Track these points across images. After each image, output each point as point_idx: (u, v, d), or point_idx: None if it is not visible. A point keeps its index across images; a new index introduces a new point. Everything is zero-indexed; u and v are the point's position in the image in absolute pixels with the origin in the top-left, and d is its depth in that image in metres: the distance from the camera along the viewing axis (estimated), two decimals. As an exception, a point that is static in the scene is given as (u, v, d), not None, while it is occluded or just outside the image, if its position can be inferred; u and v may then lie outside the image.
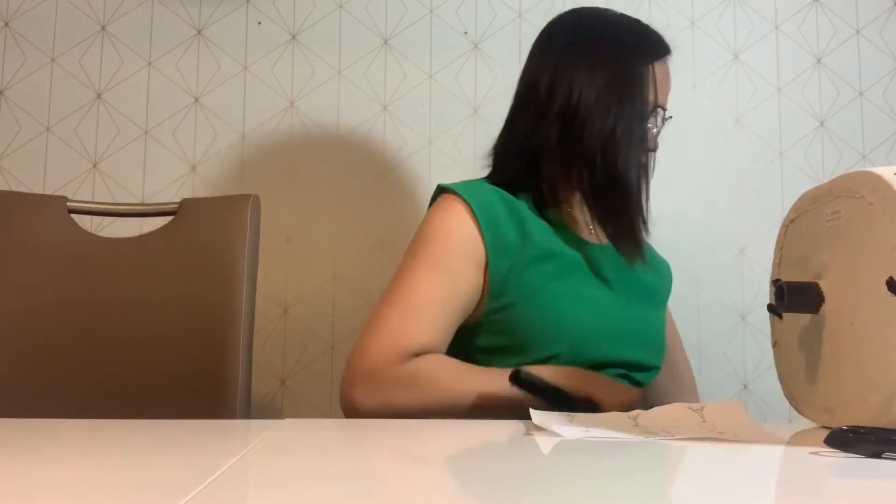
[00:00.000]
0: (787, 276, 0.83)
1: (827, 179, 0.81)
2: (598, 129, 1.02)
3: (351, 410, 0.95)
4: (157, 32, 1.56)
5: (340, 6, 1.58)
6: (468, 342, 1.04)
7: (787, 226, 0.87)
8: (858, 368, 0.72)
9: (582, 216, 1.14)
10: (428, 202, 1.12)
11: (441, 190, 1.07)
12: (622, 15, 1.11)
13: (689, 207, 1.58)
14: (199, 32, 1.56)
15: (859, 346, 0.72)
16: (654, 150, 1.06)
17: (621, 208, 1.04)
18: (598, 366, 1.03)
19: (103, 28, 1.55)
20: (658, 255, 1.26)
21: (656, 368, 1.15)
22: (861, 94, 1.64)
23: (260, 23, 1.57)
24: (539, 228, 1.05)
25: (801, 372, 0.82)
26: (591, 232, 1.14)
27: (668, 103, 1.08)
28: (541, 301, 1.02)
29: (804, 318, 0.81)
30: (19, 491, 0.48)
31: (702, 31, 1.62)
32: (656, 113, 1.04)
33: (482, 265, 1.01)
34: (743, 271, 1.57)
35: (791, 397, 0.84)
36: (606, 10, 1.12)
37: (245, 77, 1.56)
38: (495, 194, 1.04)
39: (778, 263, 0.88)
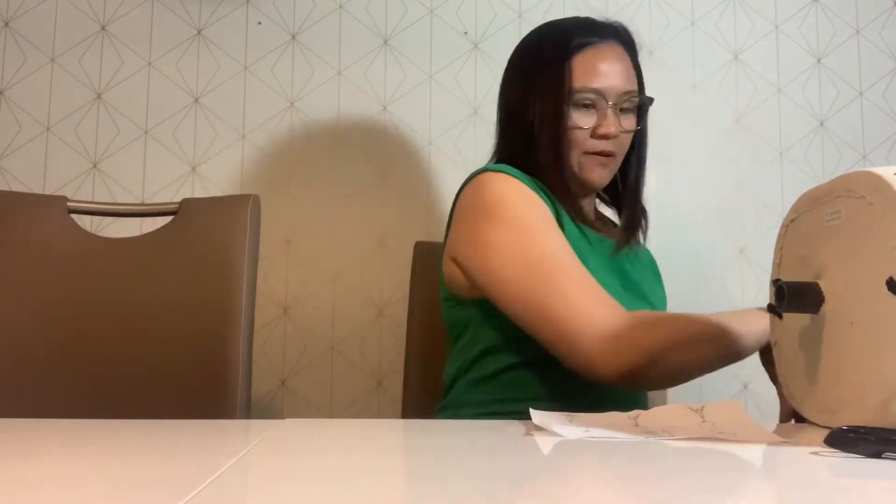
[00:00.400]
0: (787, 276, 0.83)
1: (827, 179, 0.81)
2: (526, 131, 1.08)
3: (615, 378, 0.91)
4: (157, 32, 1.56)
5: (340, 6, 1.58)
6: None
7: (787, 226, 0.87)
8: (859, 368, 0.72)
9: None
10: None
11: (479, 172, 1.06)
12: (564, 18, 1.14)
13: (689, 207, 1.58)
14: (199, 32, 1.56)
15: (859, 346, 0.72)
16: (608, 133, 1.05)
17: (574, 192, 1.09)
18: None
19: (103, 28, 1.55)
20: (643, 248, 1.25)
21: None
22: (861, 94, 1.64)
23: (260, 23, 1.57)
24: (561, 211, 1.07)
25: (801, 372, 0.82)
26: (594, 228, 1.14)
27: (626, 83, 1.08)
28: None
29: (804, 318, 0.81)
30: (19, 491, 0.48)
31: (702, 31, 1.62)
32: (584, 97, 1.05)
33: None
34: (743, 271, 1.57)
35: (791, 397, 0.84)
36: (555, 21, 1.15)
37: (245, 77, 1.56)
38: (527, 177, 1.06)
39: (778, 263, 0.88)
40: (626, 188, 1.18)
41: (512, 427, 0.78)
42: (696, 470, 0.61)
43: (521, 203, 1.00)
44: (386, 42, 1.58)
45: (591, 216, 1.16)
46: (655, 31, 1.60)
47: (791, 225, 0.86)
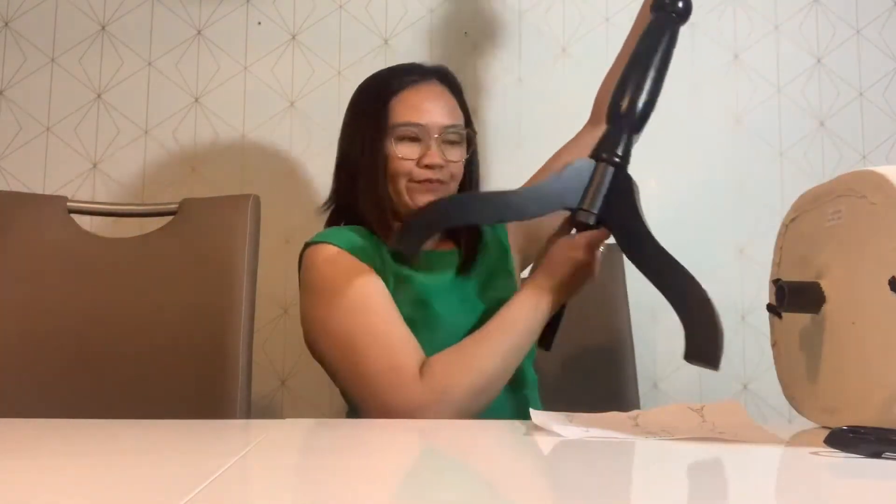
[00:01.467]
0: (787, 276, 0.83)
1: (827, 179, 0.81)
2: (352, 168, 1.14)
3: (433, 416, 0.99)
4: (157, 32, 1.56)
5: (340, 6, 1.58)
6: None
7: (787, 225, 0.87)
8: (860, 368, 0.72)
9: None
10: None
11: (306, 246, 1.11)
12: (391, 66, 1.21)
13: (689, 207, 1.58)
14: (199, 32, 1.56)
15: (860, 345, 0.72)
16: (433, 163, 1.10)
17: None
18: None
19: (103, 28, 1.55)
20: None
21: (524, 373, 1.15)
22: (861, 94, 1.64)
23: (260, 23, 1.57)
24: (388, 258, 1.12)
25: (801, 372, 0.82)
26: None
27: (449, 117, 1.13)
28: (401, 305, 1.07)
29: (804, 319, 0.81)
30: (19, 491, 0.48)
31: (702, 31, 1.62)
32: (408, 131, 1.11)
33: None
34: (743, 271, 1.57)
35: (791, 398, 0.84)
36: (383, 69, 1.21)
37: (245, 77, 1.56)
38: (351, 231, 1.12)
39: (778, 263, 0.88)
40: None
41: (512, 427, 0.78)
42: (696, 470, 0.61)
43: (340, 277, 1.05)
44: (386, 42, 1.58)
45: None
46: (655, 31, 1.60)
47: (791, 224, 0.86)
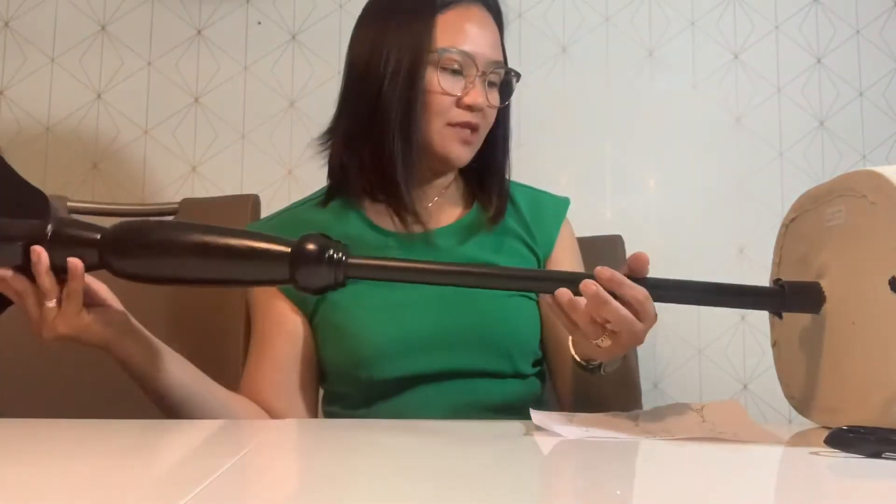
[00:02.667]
0: (787, 276, 0.83)
1: (827, 179, 0.81)
2: (372, 91, 0.96)
3: None
4: (157, 32, 1.55)
5: (340, 6, 1.58)
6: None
7: (787, 225, 0.87)
8: (860, 368, 0.72)
9: (384, 203, 1.01)
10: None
11: None
12: None
13: (689, 207, 1.58)
14: (199, 32, 1.56)
15: (861, 345, 0.72)
16: (476, 103, 0.96)
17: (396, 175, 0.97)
18: (411, 380, 0.97)
19: (103, 28, 1.55)
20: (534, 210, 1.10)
21: (508, 376, 1.00)
22: (861, 94, 1.64)
23: (260, 23, 1.57)
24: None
25: (801, 372, 0.82)
26: (399, 221, 1.00)
27: (495, 52, 0.99)
28: (326, 327, 1.00)
29: (804, 318, 0.81)
30: (19, 491, 0.48)
31: (702, 31, 1.62)
32: (452, 58, 0.95)
33: (292, 310, 1.01)
34: (743, 271, 1.57)
35: (791, 397, 0.84)
36: None
37: (245, 77, 1.56)
38: (280, 224, 1.03)
39: (778, 263, 0.88)
40: (493, 168, 1.06)
41: (512, 427, 0.78)
42: (696, 470, 0.61)
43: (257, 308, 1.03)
44: (386, 42, 1.58)
45: (422, 201, 1.03)
46: (655, 31, 1.60)
47: (791, 224, 0.86)
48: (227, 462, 0.55)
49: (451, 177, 1.07)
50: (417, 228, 1.00)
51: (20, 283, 0.79)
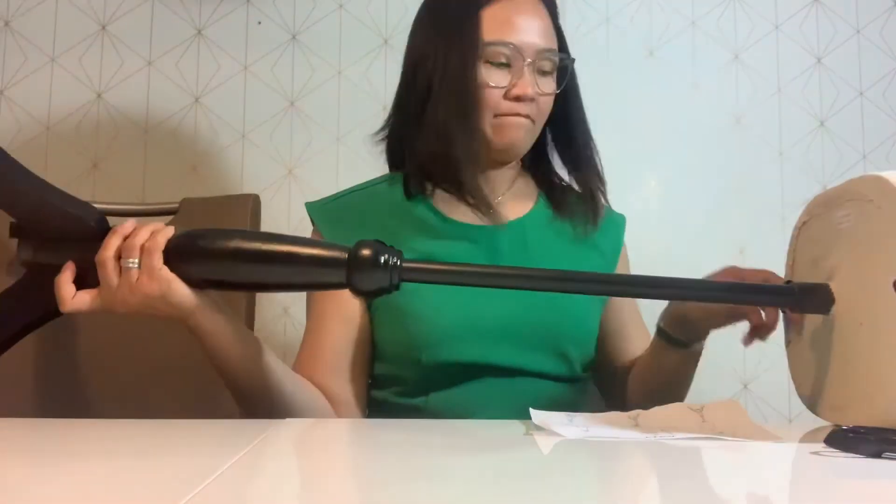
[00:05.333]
0: (799, 278, 0.86)
1: (827, 179, 0.82)
2: (424, 87, 0.99)
3: None
4: (157, 32, 1.55)
5: (340, 6, 1.58)
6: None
7: (799, 228, 0.89)
8: (867, 368, 0.74)
9: (459, 194, 1.02)
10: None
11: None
12: None
13: (689, 207, 1.58)
14: (199, 32, 1.56)
15: (867, 346, 0.74)
16: (524, 93, 0.96)
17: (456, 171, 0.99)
18: (475, 369, 0.96)
19: (103, 28, 1.55)
20: (612, 227, 1.13)
21: (563, 379, 1.01)
22: (861, 94, 1.64)
23: (260, 23, 1.57)
24: (401, 225, 1.01)
25: (812, 370, 0.83)
26: (473, 212, 1.02)
27: (545, 39, 0.99)
28: (388, 309, 0.99)
29: (816, 319, 0.83)
30: (20, 491, 0.48)
31: (702, 31, 1.62)
32: (497, 51, 0.97)
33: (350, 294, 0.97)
34: (743, 271, 1.57)
35: (803, 396, 0.86)
36: None
37: (245, 77, 1.56)
38: (344, 205, 1.05)
39: (790, 265, 0.90)
40: (577, 150, 1.07)
41: (512, 427, 0.78)
42: (697, 470, 0.61)
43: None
44: (386, 42, 1.58)
45: (491, 195, 1.03)
46: (655, 31, 1.60)
47: (803, 227, 0.88)
48: (227, 462, 0.55)
49: (516, 169, 1.08)
50: (491, 220, 1.02)
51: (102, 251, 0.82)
